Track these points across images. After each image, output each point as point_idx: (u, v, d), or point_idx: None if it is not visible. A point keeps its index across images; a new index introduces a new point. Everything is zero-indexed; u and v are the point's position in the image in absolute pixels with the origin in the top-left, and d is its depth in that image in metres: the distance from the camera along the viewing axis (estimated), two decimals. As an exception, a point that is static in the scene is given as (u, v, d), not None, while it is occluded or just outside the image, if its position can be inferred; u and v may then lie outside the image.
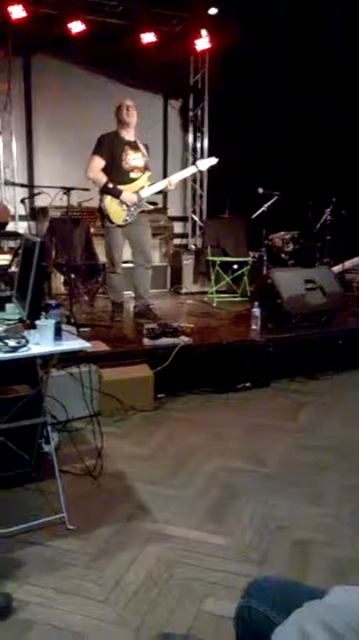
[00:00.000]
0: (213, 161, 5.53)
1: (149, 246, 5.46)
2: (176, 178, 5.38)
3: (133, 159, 5.15)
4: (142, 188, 5.15)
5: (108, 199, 5.08)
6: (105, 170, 5.07)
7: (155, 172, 5.54)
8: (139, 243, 5.29)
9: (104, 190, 5.07)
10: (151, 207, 5.33)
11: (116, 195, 5.06)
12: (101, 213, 5.19)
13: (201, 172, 5.46)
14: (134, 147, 5.18)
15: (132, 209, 5.11)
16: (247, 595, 1.34)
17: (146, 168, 5.23)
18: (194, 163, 5.54)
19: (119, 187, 5.06)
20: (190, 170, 5.63)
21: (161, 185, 5.26)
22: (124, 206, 5.09)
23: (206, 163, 5.57)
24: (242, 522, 2.68)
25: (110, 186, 5.03)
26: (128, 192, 5.08)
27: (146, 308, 5.40)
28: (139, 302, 5.47)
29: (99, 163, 5.07)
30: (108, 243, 5.24)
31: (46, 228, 6.59)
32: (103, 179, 5.03)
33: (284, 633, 1.01)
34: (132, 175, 5.14)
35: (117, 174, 5.07)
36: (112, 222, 5.12)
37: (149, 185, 5.21)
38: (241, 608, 1.33)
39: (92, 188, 5.26)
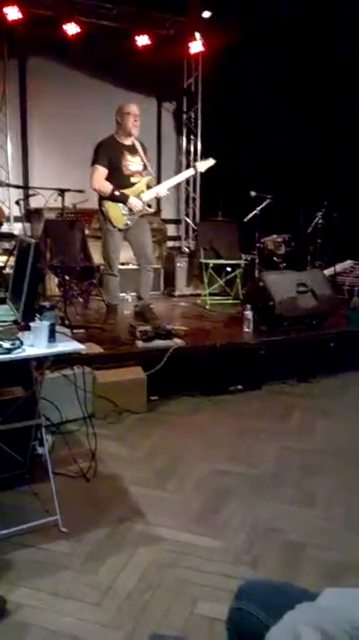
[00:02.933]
0: (211, 162, 5.54)
1: (150, 248, 5.49)
2: (173, 182, 5.41)
3: (132, 164, 5.15)
4: (142, 192, 5.17)
5: (109, 203, 5.08)
6: (107, 177, 5.06)
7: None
8: (141, 246, 5.31)
9: (110, 198, 5.05)
10: (152, 210, 5.35)
11: (123, 201, 5.07)
12: (102, 216, 5.16)
13: (199, 173, 5.44)
14: (132, 151, 5.17)
15: (133, 213, 5.12)
16: (238, 597, 1.35)
17: (144, 170, 5.23)
18: (192, 165, 5.54)
19: (124, 192, 5.07)
20: (188, 172, 5.65)
21: (158, 189, 5.27)
22: (126, 210, 5.10)
23: (204, 164, 5.57)
24: (234, 524, 2.70)
25: (117, 193, 5.03)
26: (134, 198, 5.08)
27: (146, 308, 5.44)
28: (139, 302, 5.53)
29: (102, 172, 5.04)
30: (107, 245, 5.24)
31: (41, 229, 6.59)
32: (109, 188, 5.02)
33: (277, 635, 1.03)
34: (133, 180, 5.15)
35: (117, 180, 5.07)
36: (113, 226, 5.13)
37: (148, 189, 5.23)
38: (233, 611, 1.34)
39: (88, 189, 5.26)
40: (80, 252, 6.39)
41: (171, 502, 2.89)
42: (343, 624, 0.95)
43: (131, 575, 2.29)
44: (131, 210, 5.10)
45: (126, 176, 5.12)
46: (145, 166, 5.24)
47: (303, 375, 4.97)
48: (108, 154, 5.06)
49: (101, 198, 5.12)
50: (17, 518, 2.57)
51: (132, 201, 5.08)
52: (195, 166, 5.57)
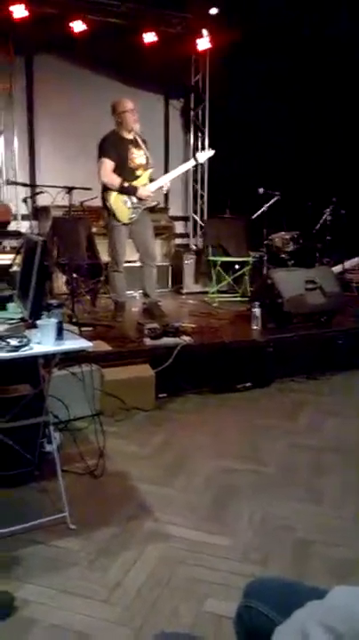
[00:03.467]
0: (210, 153, 5.62)
1: (154, 245, 5.50)
2: (175, 173, 5.43)
3: (137, 157, 5.19)
4: (145, 184, 5.18)
5: (113, 197, 5.08)
6: (114, 170, 5.09)
7: (156, 172, 5.55)
8: (144, 242, 5.32)
9: (120, 191, 5.07)
10: (155, 203, 5.36)
11: (133, 193, 5.09)
12: (107, 211, 5.18)
13: (200, 164, 5.52)
14: (136, 144, 5.21)
15: (137, 206, 5.12)
16: (247, 595, 1.35)
17: (147, 164, 5.25)
18: (192, 156, 5.57)
19: (133, 184, 5.09)
20: (189, 163, 5.65)
21: (161, 182, 5.28)
22: (129, 204, 5.11)
23: (204, 155, 5.64)
24: (242, 522, 2.69)
25: (126, 185, 5.06)
26: (143, 188, 5.13)
27: (154, 305, 5.44)
28: (146, 300, 5.52)
29: (109, 165, 5.07)
30: (113, 241, 5.25)
31: (48, 227, 6.60)
32: (117, 180, 5.05)
33: (285, 633, 1.02)
34: (137, 173, 5.17)
35: (123, 173, 5.09)
36: (118, 220, 5.13)
37: (151, 182, 5.24)
38: (241, 608, 1.33)
39: (95, 187, 5.26)
40: (87, 249, 6.39)
41: (180, 500, 2.89)
42: (352, 622, 0.94)
43: (140, 572, 2.29)
44: (138, 201, 5.09)
45: (131, 169, 5.14)
46: (147, 159, 5.25)
47: (312, 372, 4.95)
48: (114, 147, 5.09)
49: (105, 192, 5.12)
50: (25, 515, 2.58)
51: (142, 191, 5.12)
52: (195, 157, 5.57)
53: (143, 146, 5.25)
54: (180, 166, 5.62)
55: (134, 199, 5.12)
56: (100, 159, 5.10)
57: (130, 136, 5.20)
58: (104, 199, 5.17)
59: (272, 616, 1.24)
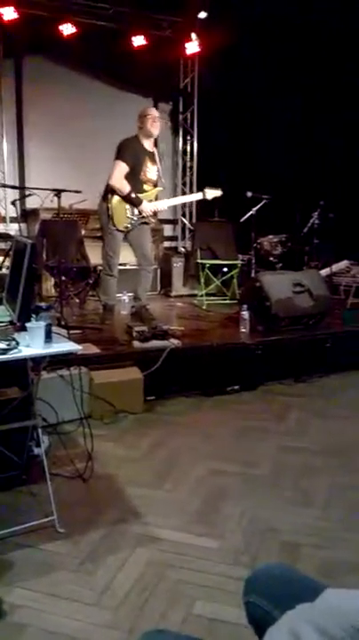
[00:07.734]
0: (219, 193, 5.61)
1: (150, 248, 5.48)
2: (178, 201, 5.44)
3: (150, 172, 5.16)
4: (151, 201, 5.17)
5: (116, 201, 5.04)
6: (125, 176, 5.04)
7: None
8: (141, 246, 5.30)
9: (126, 198, 5.02)
10: (153, 221, 5.35)
11: (137, 204, 5.06)
12: (106, 215, 5.11)
13: (207, 200, 5.54)
14: (152, 158, 5.19)
15: (136, 219, 5.11)
16: (246, 590, 1.35)
17: (158, 181, 5.25)
18: (202, 190, 5.58)
19: (139, 196, 5.07)
20: (196, 196, 5.65)
21: (161, 205, 5.28)
22: (129, 213, 5.08)
23: (212, 193, 5.59)
24: (231, 524, 2.69)
25: (133, 195, 5.02)
26: (146, 204, 5.09)
27: (142, 309, 5.43)
28: (136, 303, 5.51)
29: (123, 170, 5.00)
30: (107, 245, 5.20)
31: (37, 229, 6.58)
32: (126, 188, 4.99)
33: (276, 635, 1.02)
34: (145, 187, 5.15)
35: (132, 183, 5.04)
36: (114, 225, 5.10)
37: (156, 200, 5.24)
38: (245, 604, 1.34)
39: (84, 189, 5.25)
40: (76, 252, 6.39)
41: (169, 502, 2.89)
42: (344, 624, 0.94)
43: (129, 576, 2.29)
44: (138, 214, 5.08)
45: (142, 182, 5.11)
46: (159, 177, 5.25)
47: (300, 375, 4.97)
48: (133, 153, 5.04)
49: (107, 195, 5.08)
50: (14, 519, 2.57)
51: (144, 206, 5.09)
52: (204, 192, 5.56)
53: (158, 162, 5.23)
54: (185, 196, 5.63)
55: (135, 211, 5.10)
56: (117, 161, 5.02)
57: (149, 147, 5.17)
58: (106, 200, 5.10)
59: (269, 610, 1.24)
